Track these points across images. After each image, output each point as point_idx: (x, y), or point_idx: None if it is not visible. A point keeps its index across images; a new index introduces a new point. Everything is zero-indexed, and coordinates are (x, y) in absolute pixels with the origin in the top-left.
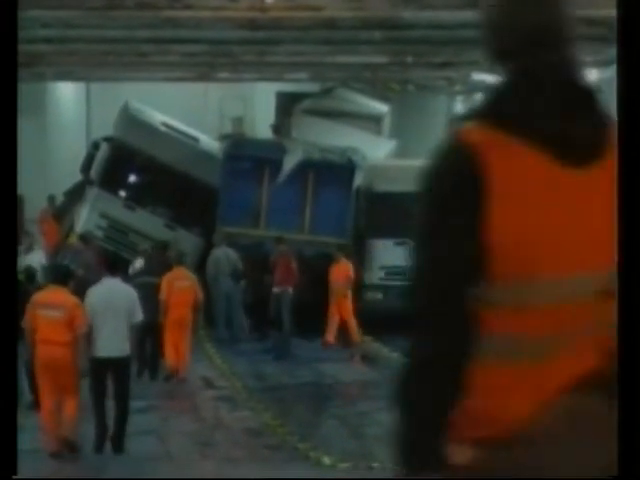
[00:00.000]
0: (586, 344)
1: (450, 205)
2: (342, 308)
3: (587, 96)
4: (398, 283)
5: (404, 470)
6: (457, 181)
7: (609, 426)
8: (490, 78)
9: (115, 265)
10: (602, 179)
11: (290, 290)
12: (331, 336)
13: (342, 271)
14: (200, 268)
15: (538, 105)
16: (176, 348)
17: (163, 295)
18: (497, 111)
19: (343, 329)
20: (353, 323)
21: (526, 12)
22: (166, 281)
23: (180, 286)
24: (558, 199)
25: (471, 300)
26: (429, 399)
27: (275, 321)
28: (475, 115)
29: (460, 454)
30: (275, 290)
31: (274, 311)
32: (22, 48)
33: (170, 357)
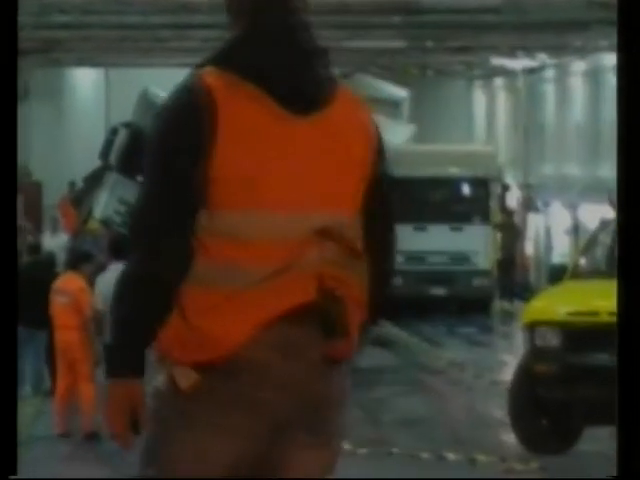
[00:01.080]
0: (303, 279)
1: (179, 138)
2: None
3: (313, 54)
4: (417, 268)
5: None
6: (187, 117)
7: (320, 357)
8: (509, 62)
9: (121, 249)
10: (326, 128)
11: None
12: None
13: None
14: None
15: (268, 57)
16: None
17: None
18: (232, 59)
19: None
20: None
21: None
22: None
23: None
24: (282, 143)
25: (193, 227)
26: (138, 311)
27: None
28: (213, 61)
29: (183, 377)
30: None
31: None
32: (40, 34)
33: None
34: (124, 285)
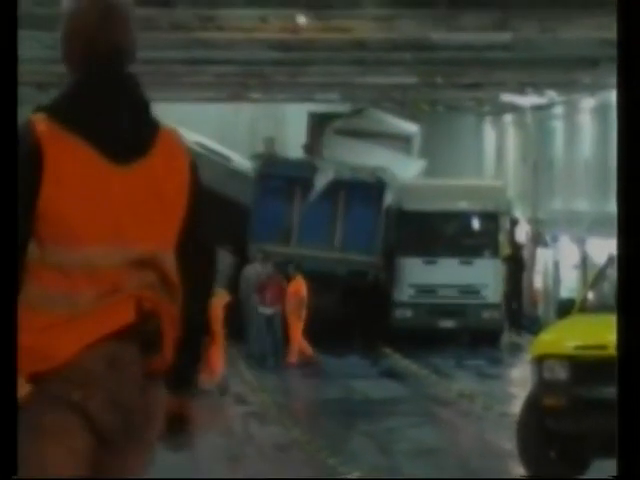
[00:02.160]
0: (124, 302)
1: (19, 177)
2: (292, 328)
3: (135, 106)
4: (427, 301)
5: None
6: (22, 159)
7: (140, 371)
8: (518, 99)
9: None
10: (147, 174)
11: (278, 309)
12: (293, 356)
13: (294, 290)
14: (233, 283)
15: (91, 109)
16: (211, 362)
17: None
18: (60, 110)
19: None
20: (302, 344)
21: (94, 29)
22: None
23: (214, 302)
24: (100, 188)
25: (29, 255)
26: None
27: (266, 339)
28: (47, 109)
29: (20, 387)
30: (266, 311)
31: (265, 330)
32: (58, 68)
33: (214, 371)
34: None
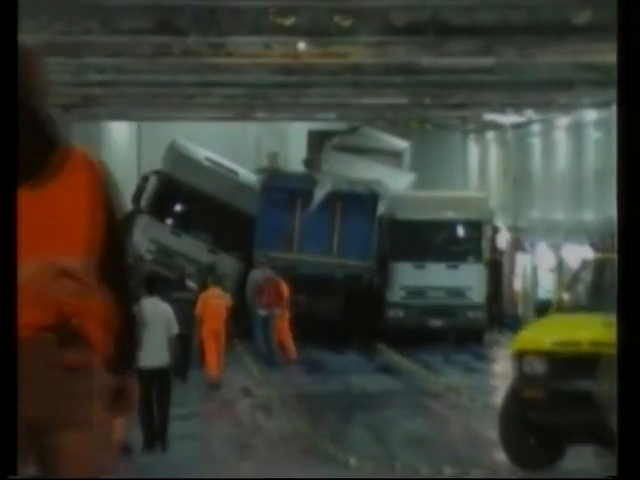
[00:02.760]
0: (46, 307)
1: None
2: (278, 328)
3: (47, 136)
4: (417, 302)
5: None
6: None
7: (63, 365)
8: (500, 118)
9: (153, 285)
10: (57, 194)
11: (277, 312)
12: (289, 354)
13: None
14: (240, 286)
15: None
16: (213, 359)
17: (199, 310)
18: None
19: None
20: (289, 342)
21: (22, 73)
22: (202, 299)
23: (214, 303)
24: (28, 209)
25: None
26: None
27: (263, 339)
28: None
29: None
30: (262, 312)
31: (262, 331)
32: (79, 91)
33: (212, 366)
34: None
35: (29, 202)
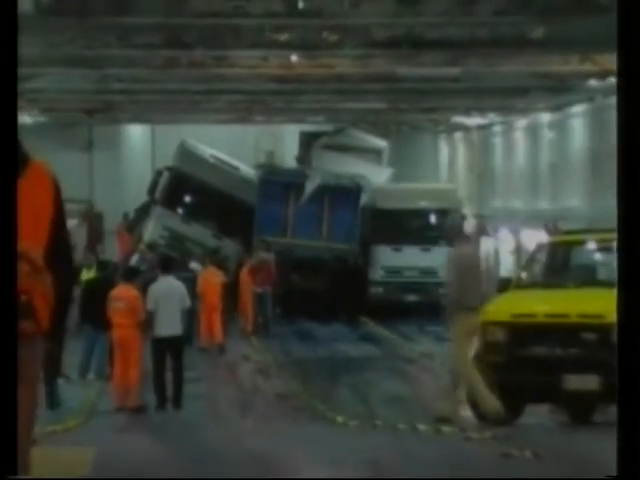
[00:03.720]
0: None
1: None
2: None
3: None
4: (395, 280)
5: None
6: None
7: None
8: (466, 120)
9: (167, 266)
10: (22, 194)
11: (268, 289)
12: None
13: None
14: (239, 267)
15: None
16: (210, 327)
17: (199, 287)
18: None
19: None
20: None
21: None
22: (202, 276)
23: (211, 280)
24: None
25: None
26: None
27: (259, 313)
28: None
29: None
30: (257, 290)
31: (258, 306)
32: (101, 98)
33: (204, 334)
34: None
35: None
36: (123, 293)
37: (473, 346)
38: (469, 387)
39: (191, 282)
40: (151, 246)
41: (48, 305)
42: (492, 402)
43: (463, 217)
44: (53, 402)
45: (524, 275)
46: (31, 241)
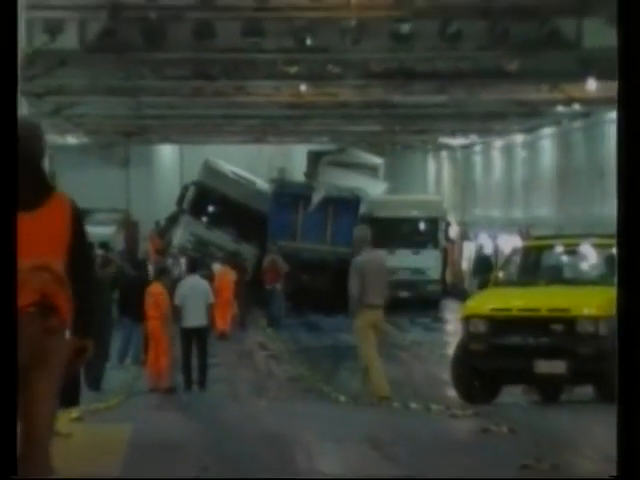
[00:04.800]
0: (33, 289)
1: None
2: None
3: (39, 180)
4: (390, 279)
5: None
6: None
7: (42, 328)
8: (451, 140)
9: (193, 267)
10: (42, 217)
11: (278, 286)
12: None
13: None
14: (257, 267)
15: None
16: (222, 318)
17: (216, 284)
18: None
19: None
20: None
21: (21, 143)
22: (218, 275)
23: (225, 278)
24: (25, 227)
25: None
26: None
27: (269, 307)
28: None
29: None
30: (268, 287)
31: (268, 300)
32: (136, 122)
33: (219, 325)
34: None
35: (26, 222)
36: (153, 290)
37: (374, 336)
38: (366, 370)
39: (209, 280)
40: (180, 249)
41: (69, 305)
42: (382, 387)
43: (366, 229)
44: (99, 384)
45: (501, 274)
46: (52, 256)
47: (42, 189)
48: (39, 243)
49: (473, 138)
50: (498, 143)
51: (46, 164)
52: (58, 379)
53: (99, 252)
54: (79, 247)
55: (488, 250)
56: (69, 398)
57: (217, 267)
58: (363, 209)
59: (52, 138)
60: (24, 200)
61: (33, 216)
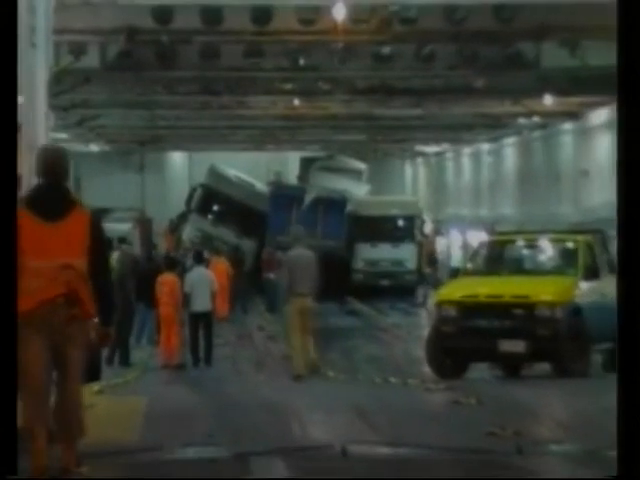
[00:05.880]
0: (60, 283)
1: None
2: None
3: (63, 197)
4: (372, 269)
5: None
6: (14, 225)
7: (67, 317)
8: (426, 148)
9: (199, 259)
10: (65, 226)
11: (272, 276)
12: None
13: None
14: (257, 260)
15: (36, 198)
16: (221, 302)
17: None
18: (28, 200)
19: None
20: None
21: (45, 165)
22: (212, 264)
23: (219, 267)
24: (40, 234)
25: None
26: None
27: (267, 294)
28: (22, 200)
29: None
30: (266, 276)
31: (266, 288)
32: (150, 132)
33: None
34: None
35: (54, 230)
36: (167, 279)
37: (301, 320)
38: (298, 351)
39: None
40: (192, 243)
41: (90, 297)
42: (299, 366)
43: (301, 230)
44: (128, 360)
45: (470, 265)
46: (75, 257)
47: (66, 203)
48: (64, 247)
49: (445, 146)
50: (467, 151)
51: (71, 170)
52: (83, 357)
53: (123, 246)
54: (97, 250)
55: (458, 243)
56: (91, 374)
57: (213, 258)
58: (349, 208)
59: (77, 146)
60: (52, 212)
61: (59, 225)
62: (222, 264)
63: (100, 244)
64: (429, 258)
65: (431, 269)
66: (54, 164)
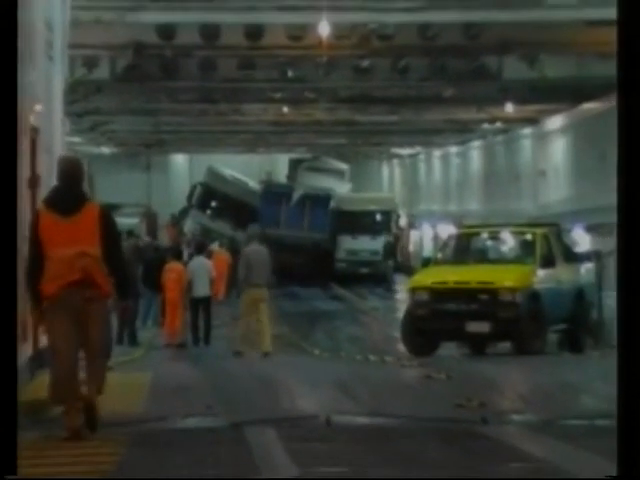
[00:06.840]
0: (77, 269)
1: (31, 229)
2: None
3: (77, 196)
4: (353, 258)
5: None
6: (34, 222)
7: (85, 298)
8: (401, 151)
9: (199, 249)
10: (79, 220)
11: None
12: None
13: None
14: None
15: (55, 198)
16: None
17: (214, 262)
18: (48, 199)
19: None
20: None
21: (63, 172)
22: (215, 255)
23: (219, 258)
24: (59, 228)
25: (42, 260)
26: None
27: None
28: (44, 200)
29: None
30: None
31: None
32: (155, 136)
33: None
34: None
35: (70, 223)
36: (174, 267)
37: (255, 308)
38: (242, 332)
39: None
40: (193, 235)
41: (106, 279)
42: (240, 343)
43: (256, 228)
44: (136, 340)
45: (440, 255)
46: (89, 245)
47: (80, 201)
48: (79, 237)
49: (418, 149)
50: (437, 153)
51: (84, 171)
52: (104, 332)
53: (132, 240)
54: (109, 238)
55: (429, 235)
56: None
57: (214, 247)
58: (332, 204)
59: (90, 149)
60: (67, 209)
61: (74, 219)
62: (223, 255)
63: (111, 231)
64: (402, 249)
65: (403, 258)
66: (71, 172)
